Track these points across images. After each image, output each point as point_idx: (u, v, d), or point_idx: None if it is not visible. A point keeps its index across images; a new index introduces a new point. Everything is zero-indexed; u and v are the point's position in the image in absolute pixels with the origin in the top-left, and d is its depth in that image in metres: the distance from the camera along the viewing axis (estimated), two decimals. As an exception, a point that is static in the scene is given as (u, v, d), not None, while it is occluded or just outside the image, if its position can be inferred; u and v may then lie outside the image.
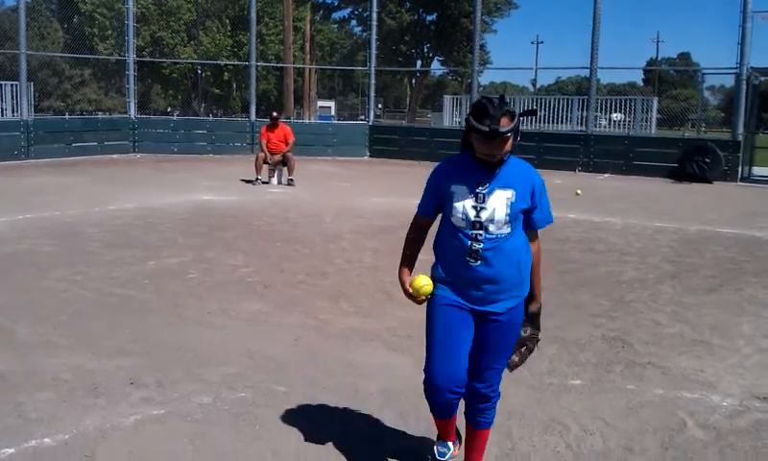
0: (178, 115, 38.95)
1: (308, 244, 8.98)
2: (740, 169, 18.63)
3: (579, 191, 14.31)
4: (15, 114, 19.42)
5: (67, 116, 28.08)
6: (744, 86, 18.57)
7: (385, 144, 22.80)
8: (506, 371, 3.33)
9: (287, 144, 15.39)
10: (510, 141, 3.03)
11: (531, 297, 3.24)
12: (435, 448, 3.46)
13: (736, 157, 18.49)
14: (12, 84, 19.67)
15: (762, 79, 20.40)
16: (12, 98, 19.66)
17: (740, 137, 18.57)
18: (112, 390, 4.33)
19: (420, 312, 6.24)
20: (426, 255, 3.42)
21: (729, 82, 20.53)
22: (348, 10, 49.98)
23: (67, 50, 39.12)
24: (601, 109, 24.14)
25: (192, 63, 42.35)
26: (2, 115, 19.75)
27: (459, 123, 24.80)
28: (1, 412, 3.98)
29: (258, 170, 15.17)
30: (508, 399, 4.36)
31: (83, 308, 6.03)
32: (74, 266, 7.42)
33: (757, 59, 19.20)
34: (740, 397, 4.48)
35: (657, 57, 61.47)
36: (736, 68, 18.70)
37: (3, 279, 6.90)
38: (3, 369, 4.62)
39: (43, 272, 7.20)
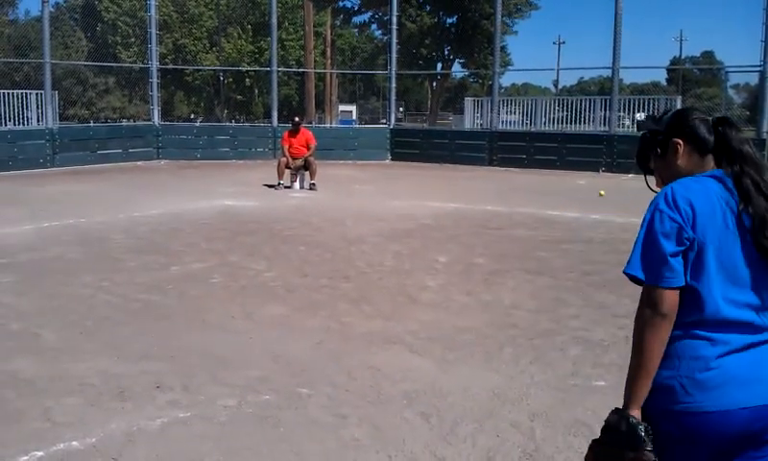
0: (201, 122, 39.27)
1: (330, 248, 9.01)
2: (766, 168, 18.41)
3: (602, 192, 14.24)
4: (41, 123, 19.65)
5: (92, 124, 28.38)
6: (768, 84, 18.38)
7: (406, 147, 22.79)
8: None
9: (309, 149, 15.47)
10: (657, 164, 2.20)
11: None
12: None
13: (762, 156, 18.27)
14: (36, 93, 19.92)
15: (787, 76, 20.15)
16: (38, 107, 19.90)
17: (765, 136, 18.35)
18: (138, 394, 4.38)
19: (443, 314, 6.27)
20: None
21: (753, 80, 20.32)
22: (369, 14, 50.02)
23: (91, 58, 39.66)
24: (624, 109, 23.97)
25: (214, 70, 42.70)
26: (27, 124, 20.00)
27: (480, 125, 24.74)
28: (30, 416, 4.04)
29: (281, 175, 15.23)
30: (531, 399, 4.37)
31: (108, 314, 6.10)
32: (99, 272, 7.51)
33: (782, 56, 18.97)
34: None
35: (680, 55, 60.93)
36: (760, 66, 18.51)
37: (30, 286, 7.00)
38: (31, 374, 4.69)
39: (69, 278, 7.29)
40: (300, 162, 15.40)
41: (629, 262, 1.98)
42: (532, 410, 4.20)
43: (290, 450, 3.70)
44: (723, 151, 2.02)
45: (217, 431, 3.90)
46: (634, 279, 1.97)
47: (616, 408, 1.98)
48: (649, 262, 1.93)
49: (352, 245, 9.19)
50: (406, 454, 3.68)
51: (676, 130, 2.11)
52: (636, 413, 1.94)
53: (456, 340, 5.51)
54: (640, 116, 24.55)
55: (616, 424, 1.95)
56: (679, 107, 25.14)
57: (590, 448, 2.03)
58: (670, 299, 1.90)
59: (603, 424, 2.00)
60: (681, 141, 2.09)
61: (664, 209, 1.94)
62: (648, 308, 1.92)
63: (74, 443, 3.73)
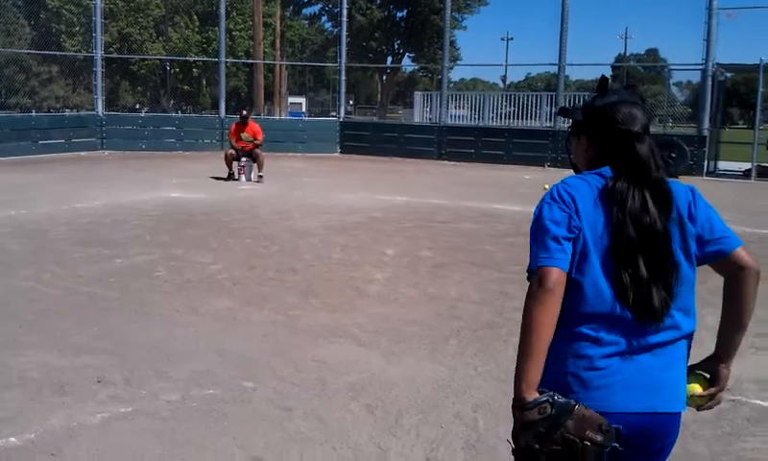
0: (146, 112, 38.61)
1: (277, 241, 8.97)
2: (706, 164, 18.92)
3: (547, 186, 14.25)
4: (-20, 112, 19.13)
5: (34, 113, 27.69)
6: (710, 82, 18.87)
7: (356, 140, 22.80)
8: None
9: (257, 143, 15.34)
10: (572, 142, 2.21)
11: None
12: None
13: (702, 152, 18.78)
14: (-23, 82, 19.39)
15: (728, 75, 20.74)
16: (-22, 95, 19.37)
17: (706, 132, 18.85)
18: (79, 388, 4.30)
19: (390, 307, 6.29)
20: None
21: (695, 77, 20.84)
22: (319, 6, 49.90)
23: (34, 47, 38.63)
24: (570, 105, 24.33)
25: (160, 60, 42.02)
26: (-33, 113, 19.45)
27: (429, 119, 24.86)
28: (-34, 412, 3.94)
29: (230, 166, 15.15)
30: (474, 390, 4.43)
31: (49, 307, 5.98)
32: (41, 265, 7.35)
33: (723, 55, 19.55)
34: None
35: (625, 53, 62.05)
36: (702, 64, 18.98)
37: (-32, 279, 6.82)
38: (-32, 369, 4.57)
39: (10, 271, 7.12)
40: (248, 137, 15.24)
41: (530, 262, 1.94)
42: (475, 401, 4.26)
43: (234, 444, 3.69)
44: (624, 162, 1.97)
45: (159, 426, 3.86)
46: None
47: (518, 402, 1.83)
48: (539, 246, 1.91)
49: (300, 238, 9.17)
50: (351, 446, 3.70)
51: (586, 127, 2.09)
52: (535, 395, 1.82)
53: (402, 332, 5.54)
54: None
55: (542, 412, 1.80)
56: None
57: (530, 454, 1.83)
58: (555, 275, 1.86)
59: (520, 426, 1.83)
60: (586, 139, 2.09)
61: (552, 202, 1.95)
62: (534, 287, 1.88)
63: (12, 439, 3.66)
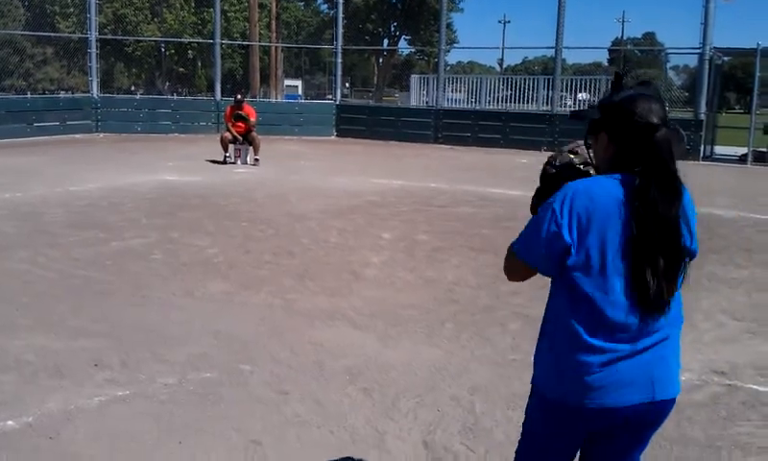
0: (141, 94, 38.44)
1: (274, 224, 8.96)
2: (702, 148, 18.90)
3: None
4: (-25, 94, 19.00)
5: (29, 95, 27.53)
6: (707, 66, 18.81)
7: (352, 124, 22.72)
8: None
9: (249, 123, 15.28)
10: (594, 145, 2.18)
11: None
12: None
13: (699, 137, 18.74)
14: (-29, 63, 19.24)
15: (725, 59, 20.67)
16: (-28, 77, 19.23)
17: (702, 117, 18.82)
18: (76, 371, 4.30)
19: (386, 290, 6.29)
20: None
21: (692, 61, 20.82)
22: (315, -13, 49.59)
23: (29, 28, 38.39)
24: (567, 88, 24.32)
25: (155, 41, 41.80)
26: (-39, 94, 19.31)
27: (426, 102, 24.80)
28: (-38, 395, 3.94)
29: (225, 149, 15.10)
30: (471, 374, 4.43)
31: (45, 290, 5.97)
32: (36, 247, 7.33)
33: (720, 39, 19.53)
34: (698, 371, 4.58)
35: (622, 37, 61.93)
36: (700, 48, 18.92)
37: (-37, 261, 6.80)
38: (-36, 351, 4.57)
39: (5, 253, 7.10)
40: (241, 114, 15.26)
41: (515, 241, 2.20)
42: (472, 385, 4.27)
43: (231, 427, 3.69)
44: (644, 155, 1.96)
45: (157, 409, 3.87)
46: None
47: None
48: (527, 244, 2.13)
49: (297, 221, 9.15)
50: (348, 429, 3.70)
51: (605, 124, 2.07)
52: None
53: (399, 316, 5.55)
54: (582, 96, 24.92)
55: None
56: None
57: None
58: (526, 271, 2.19)
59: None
60: (606, 137, 2.07)
61: (556, 210, 1.99)
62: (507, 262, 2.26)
63: (9, 422, 3.66)
